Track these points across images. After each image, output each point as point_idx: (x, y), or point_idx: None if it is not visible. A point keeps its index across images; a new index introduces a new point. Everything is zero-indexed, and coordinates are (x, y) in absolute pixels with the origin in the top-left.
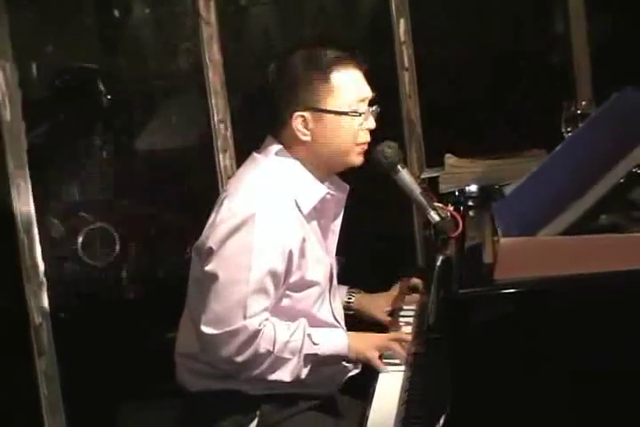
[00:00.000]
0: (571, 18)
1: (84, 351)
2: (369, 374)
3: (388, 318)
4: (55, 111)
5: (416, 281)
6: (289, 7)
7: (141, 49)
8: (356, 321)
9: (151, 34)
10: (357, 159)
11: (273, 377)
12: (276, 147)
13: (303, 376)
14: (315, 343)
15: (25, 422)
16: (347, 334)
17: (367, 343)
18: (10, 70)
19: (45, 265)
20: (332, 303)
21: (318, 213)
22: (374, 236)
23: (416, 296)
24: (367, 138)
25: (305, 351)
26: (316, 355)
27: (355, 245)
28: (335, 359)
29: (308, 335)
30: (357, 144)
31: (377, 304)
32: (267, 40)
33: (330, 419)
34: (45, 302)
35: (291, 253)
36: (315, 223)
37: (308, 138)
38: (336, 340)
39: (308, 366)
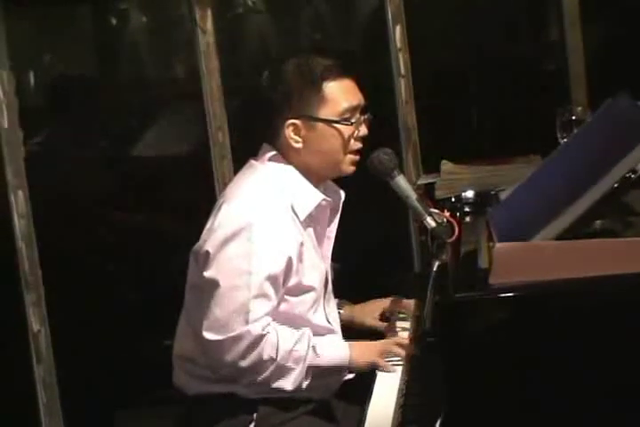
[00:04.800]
0: (566, 25)
1: (82, 358)
2: (364, 379)
3: (380, 323)
4: (52, 119)
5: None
6: (285, 15)
7: (138, 57)
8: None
9: (148, 42)
10: (349, 169)
11: (275, 385)
12: (272, 154)
13: (304, 387)
14: (318, 355)
15: None
16: (349, 344)
17: (371, 351)
18: (7, 78)
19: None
20: (325, 308)
21: (314, 220)
22: (371, 241)
23: (412, 302)
24: (359, 146)
25: (308, 362)
26: (318, 366)
27: (351, 250)
28: (336, 370)
29: (313, 347)
30: (349, 153)
31: (366, 311)
32: (263, 48)
33: (326, 423)
34: (44, 309)
35: (290, 258)
36: (310, 229)
37: (300, 145)
38: (338, 352)
39: (310, 377)
